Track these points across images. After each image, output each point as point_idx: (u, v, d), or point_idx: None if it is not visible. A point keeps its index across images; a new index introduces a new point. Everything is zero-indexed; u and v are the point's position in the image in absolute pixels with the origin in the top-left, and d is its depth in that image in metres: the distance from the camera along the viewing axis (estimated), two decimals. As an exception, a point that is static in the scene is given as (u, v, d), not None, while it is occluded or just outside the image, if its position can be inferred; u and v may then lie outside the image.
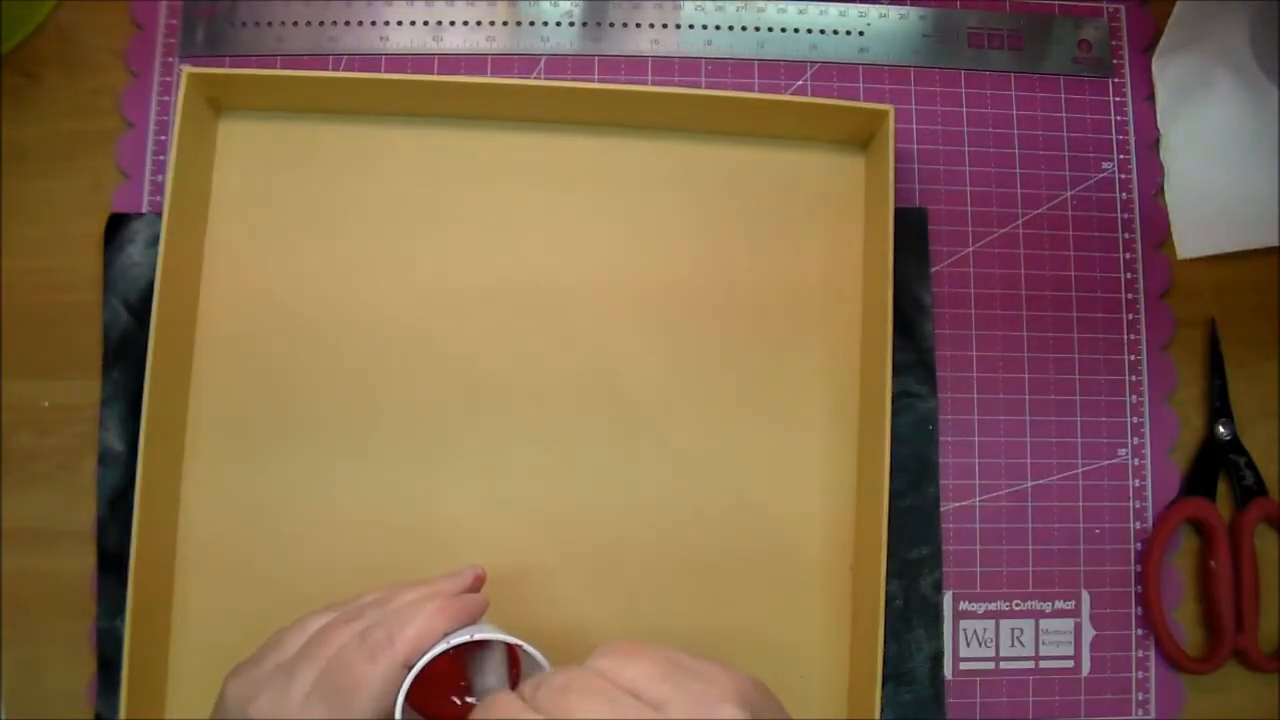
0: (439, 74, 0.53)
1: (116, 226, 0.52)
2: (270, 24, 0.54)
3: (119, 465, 0.50)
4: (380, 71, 0.53)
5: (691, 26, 0.55)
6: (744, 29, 0.55)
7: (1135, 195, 0.55)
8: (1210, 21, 0.54)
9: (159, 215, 0.50)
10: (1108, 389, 0.53)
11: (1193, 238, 0.55)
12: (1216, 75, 0.55)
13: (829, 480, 0.51)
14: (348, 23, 0.54)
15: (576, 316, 0.52)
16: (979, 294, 0.54)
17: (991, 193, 0.54)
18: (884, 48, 0.55)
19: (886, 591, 0.47)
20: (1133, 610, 0.52)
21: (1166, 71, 0.55)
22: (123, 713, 0.45)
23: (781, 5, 0.55)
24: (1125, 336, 0.54)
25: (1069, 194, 0.55)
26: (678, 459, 0.51)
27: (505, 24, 0.54)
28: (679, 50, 0.55)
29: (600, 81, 0.54)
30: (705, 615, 0.50)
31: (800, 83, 0.55)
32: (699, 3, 0.55)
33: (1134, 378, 0.54)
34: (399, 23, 0.54)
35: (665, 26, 0.55)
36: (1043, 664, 0.51)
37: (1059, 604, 0.52)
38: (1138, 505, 0.53)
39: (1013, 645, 0.51)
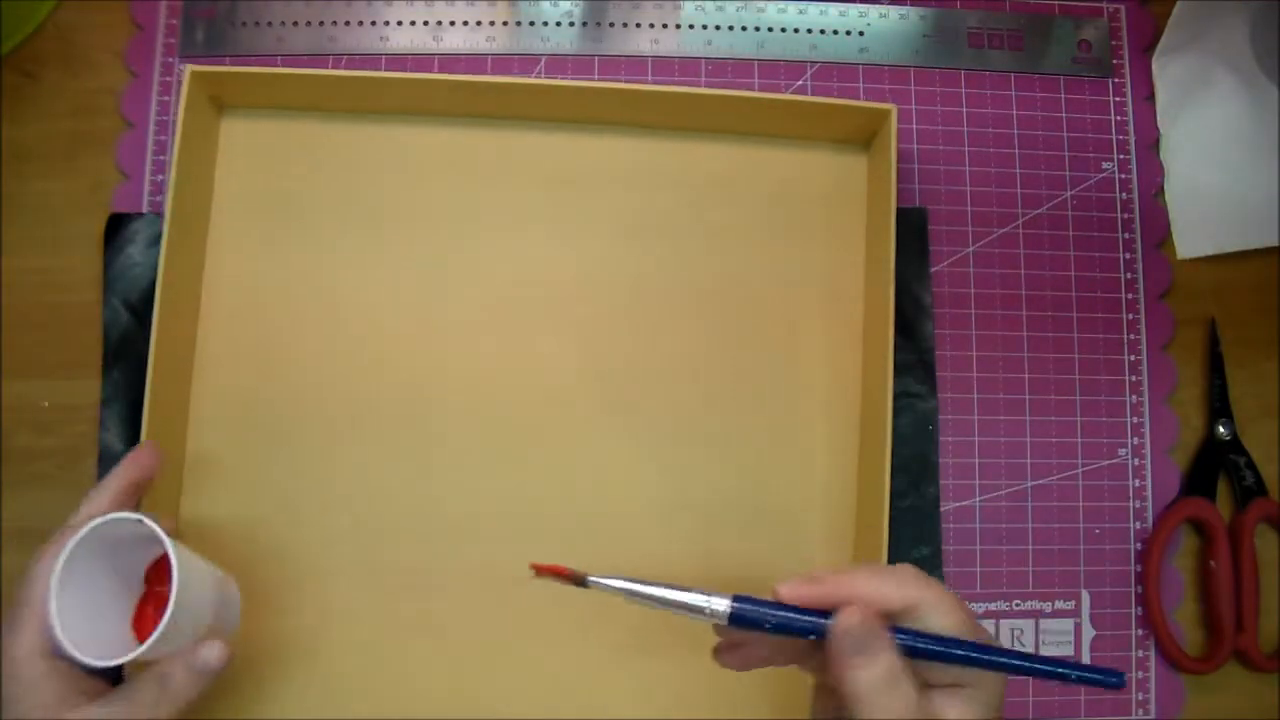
0: (440, 73, 0.53)
1: (116, 226, 0.52)
2: (270, 24, 0.54)
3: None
4: (380, 71, 0.53)
5: (691, 26, 0.55)
6: (744, 29, 0.55)
7: (1135, 195, 0.55)
8: (1210, 21, 0.54)
9: (159, 215, 0.50)
10: (1108, 389, 0.53)
11: (1193, 238, 0.55)
12: (1216, 75, 0.55)
13: (830, 478, 0.51)
14: (348, 23, 0.54)
15: (577, 314, 0.52)
16: (979, 294, 0.54)
17: (991, 193, 0.54)
18: (884, 48, 0.55)
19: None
20: (1133, 610, 0.52)
21: (1166, 71, 0.55)
22: None
23: (781, 5, 0.55)
24: (1125, 336, 0.54)
25: (1069, 194, 0.55)
26: (678, 458, 0.51)
27: (505, 24, 0.54)
28: (679, 50, 0.55)
29: (602, 81, 0.54)
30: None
31: (800, 83, 0.55)
32: (699, 3, 0.55)
33: (1134, 378, 0.54)
34: (399, 23, 0.54)
35: (665, 26, 0.55)
36: (1043, 664, 0.51)
37: (1059, 604, 0.52)
38: (1138, 505, 0.53)
39: (1013, 645, 0.51)
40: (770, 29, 0.55)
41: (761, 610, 0.34)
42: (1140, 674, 0.52)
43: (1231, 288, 0.55)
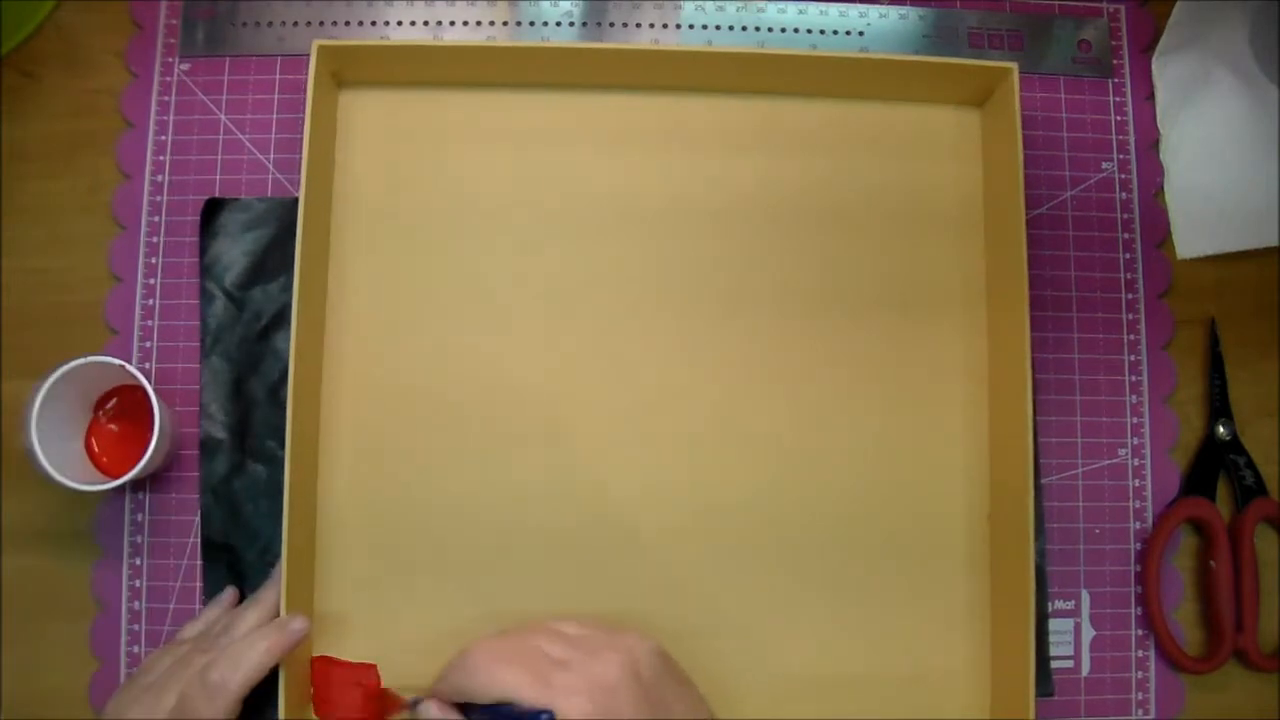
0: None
1: (211, 212, 0.52)
2: (270, 24, 0.54)
3: (221, 453, 0.50)
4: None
5: (691, 27, 0.55)
6: (744, 29, 0.55)
7: (1135, 195, 0.55)
8: (1210, 21, 0.54)
9: (253, 199, 0.52)
10: (1108, 389, 0.53)
11: (1193, 238, 0.55)
12: (1216, 75, 0.55)
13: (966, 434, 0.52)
14: (348, 23, 0.54)
15: (702, 293, 0.52)
16: (979, 294, 0.54)
17: (991, 193, 0.54)
18: (884, 48, 0.55)
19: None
20: (1133, 610, 0.52)
21: (1166, 71, 0.55)
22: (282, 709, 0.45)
23: (781, 5, 0.55)
24: (1125, 336, 0.54)
25: (1069, 194, 0.55)
26: (813, 424, 0.51)
27: (505, 24, 0.54)
28: (679, 50, 0.55)
29: (718, 47, 0.53)
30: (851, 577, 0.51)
31: (800, 83, 0.55)
32: (699, 2, 0.55)
33: (1134, 378, 0.54)
34: (399, 23, 0.54)
35: (665, 26, 0.55)
36: (1043, 664, 0.51)
37: (1059, 604, 0.52)
38: (1138, 505, 0.53)
39: (1013, 645, 0.51)
40: (770, 29, 0.55)
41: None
42: (1140, 674, 0.52)
43: (1231, 288, 0.55)
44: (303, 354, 0.47)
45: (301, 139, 0.48)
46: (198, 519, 0.50)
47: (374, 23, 0.54)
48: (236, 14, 0.54)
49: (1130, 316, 0.54)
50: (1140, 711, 0.51)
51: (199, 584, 0.50)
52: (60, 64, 0.54)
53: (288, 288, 0.48)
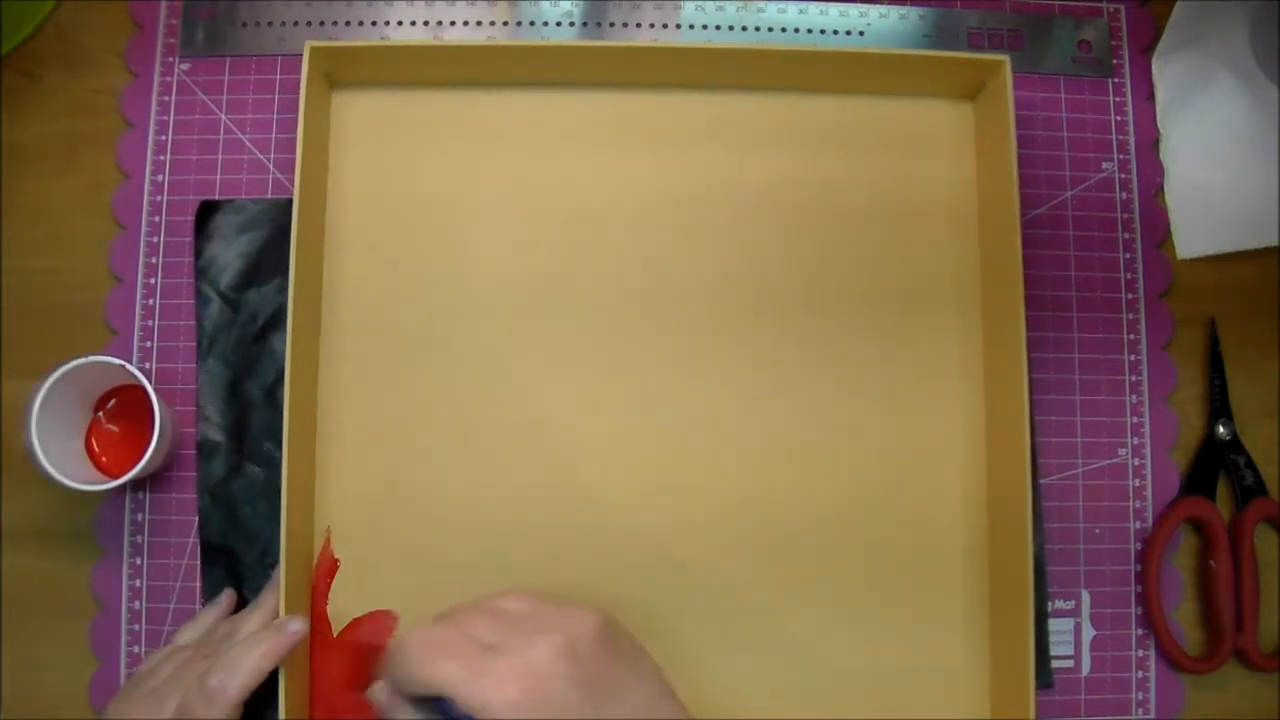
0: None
1: (205, 214, 0.52)
2: (270, 24, 0.54)
3: (219, 456, 0.50)
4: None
5: (691, 27, 0.55)
6: (744, 29, 0.55)
7: (1135, 195, 0.55)
8: (1210, 21, 0.54)
9: (247, 200, 0.52)
10: (1108, 389, 0.53)
11: (1193, 238, 0.55)
12: (1216, 75, 0.55)
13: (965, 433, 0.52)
14: (348, 23, 0.54)
15: (700, 295, 0.52)
16: (979, 294, 0.54)
17: (991, 193, 0.54)
18: (884, 48, 0.55)
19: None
20: (1133, 610, 0.52)
21: (1166, 71, 0.55)
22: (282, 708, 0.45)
23: (781, 5, 0.55)
24: (1125, 336, 0.54)
25: (1069, 194, 0.55)
26: (812, 413, 0.52)
27: (505, 24, 0.54)
28: (679, 50, 0.55)
29: (728, 44, 0.54)
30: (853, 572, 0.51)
31: (800, 83, 0.55)
32: (699, 3, 0.55)
33: (1134, 378, 0.54)
34: (399, 23, 0.54)
35: (665, 27, 0.55)
36: (1043, 664, 0.51)
37: (1059, 604, 0.52)
38: (1138, 505, 0.53)
39: (1013, 645, 0.51)
40: (770, 29, 0.55)
41: None
42: (1140, 674, 0.52)
43: (1231, 288, 0.55)
44: (299, 356, 0.47)
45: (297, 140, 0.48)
46: (198, 519, 0.50)
47: (374, 23, 0.54)
48: (236, 14, 0.54)
49: (1130, 316, 0.54)
50: (1140, 711, 0.51)
51: (199, 584, 0.50)
52: (60, 64, 0.54)
53: (283, 289, 0.48)
